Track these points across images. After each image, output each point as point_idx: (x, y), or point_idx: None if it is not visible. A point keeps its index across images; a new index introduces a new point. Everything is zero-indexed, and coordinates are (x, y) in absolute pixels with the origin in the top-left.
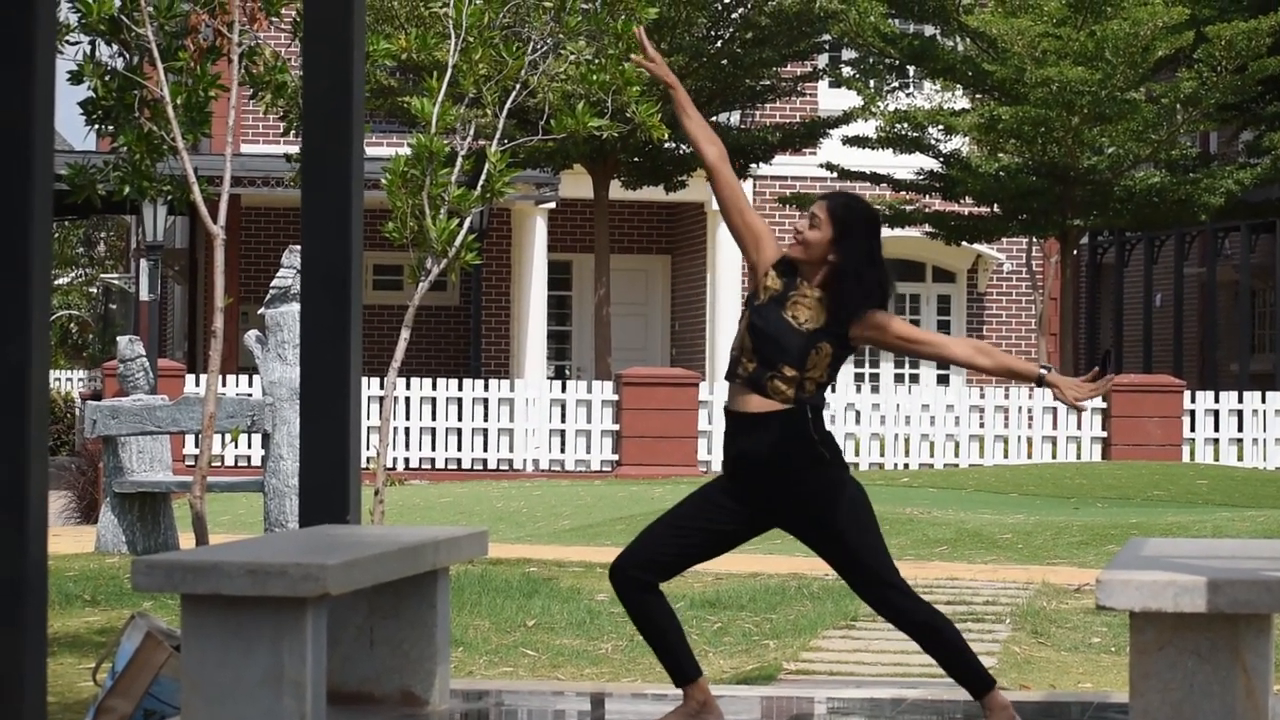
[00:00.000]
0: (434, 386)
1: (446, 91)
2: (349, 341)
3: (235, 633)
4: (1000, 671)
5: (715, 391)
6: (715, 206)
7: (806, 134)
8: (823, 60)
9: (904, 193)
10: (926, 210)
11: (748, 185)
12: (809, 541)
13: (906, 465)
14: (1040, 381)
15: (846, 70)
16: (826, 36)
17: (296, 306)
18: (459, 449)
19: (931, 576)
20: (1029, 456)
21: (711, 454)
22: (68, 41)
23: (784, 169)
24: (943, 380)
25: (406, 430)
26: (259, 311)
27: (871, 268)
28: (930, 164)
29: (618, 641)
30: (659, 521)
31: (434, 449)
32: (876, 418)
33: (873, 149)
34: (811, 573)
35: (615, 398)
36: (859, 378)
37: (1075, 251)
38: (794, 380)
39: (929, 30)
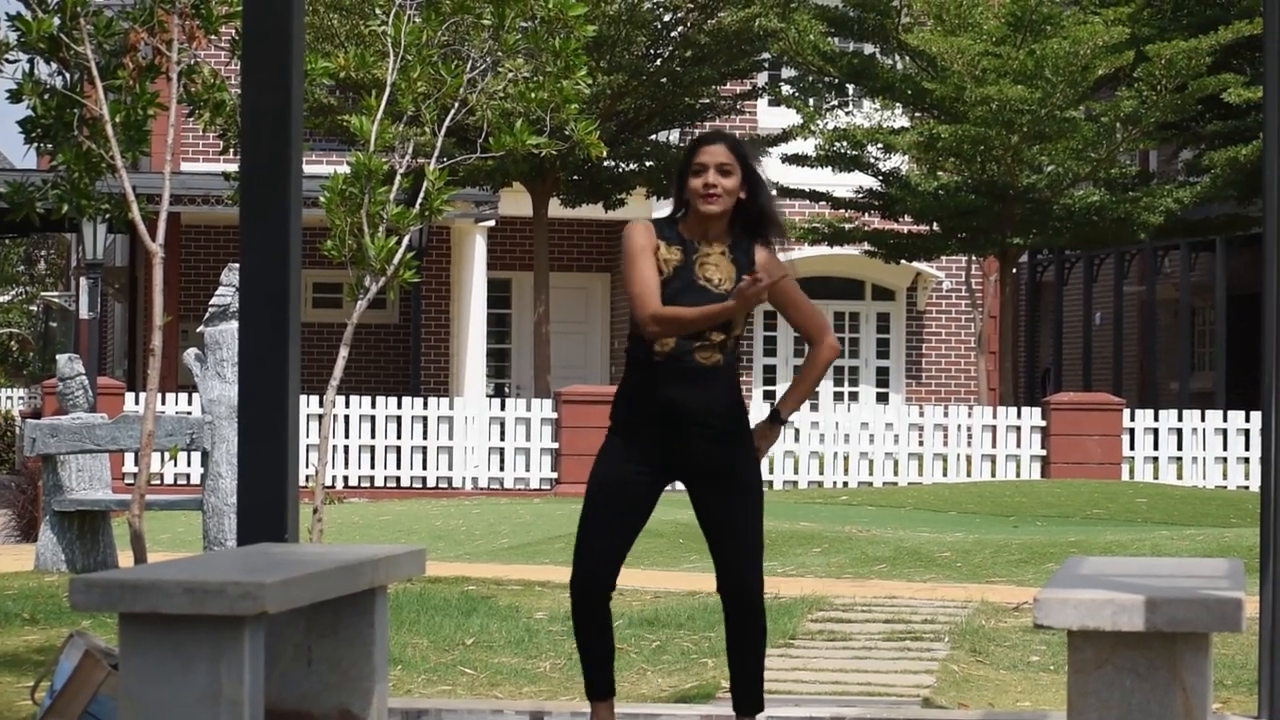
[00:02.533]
0: (373, 404)
1: (385, 110)
2: (288, 359)
3: (173, 651)
4: (939, 690)
5: None
6: None
7: None
8: (762, 78)
9: (843, 211)
10: (866, 228)
11: None
12: (712, 499)
13: (845, 483)
14: (775, 417)
15: (786, 89)
16: (766, 55)
17: (235, 324)
18: (398, 467)
19: (870, 595)
20: (968, 475)
21: None
22: (6, 60)
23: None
24: (882, 398)
25: (345, 448)
26: (198, 329)
27: (770, 196)
28: (870, 182)
29: (556, 659)
30: (593, 530)
31: (373, 467)
32: (815, 436)
33: (812, 167)
34: None
35: (554, 415)
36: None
37: (1015, 270)
38: (721, 344)
39: (868, 49)
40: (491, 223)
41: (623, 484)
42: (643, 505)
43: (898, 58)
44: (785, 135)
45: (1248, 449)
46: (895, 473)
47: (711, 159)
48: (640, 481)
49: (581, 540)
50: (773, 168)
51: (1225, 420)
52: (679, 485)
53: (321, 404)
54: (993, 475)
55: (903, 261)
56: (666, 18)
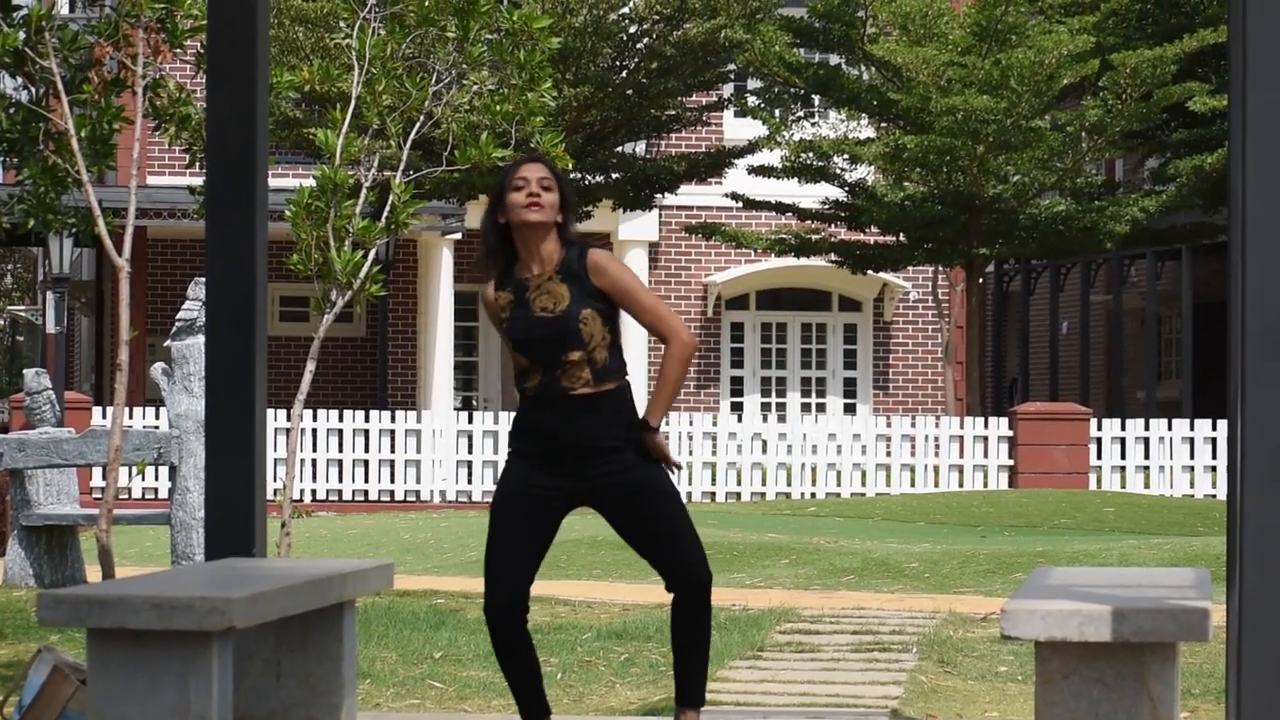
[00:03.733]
0: (340, 418)
1: (350, 123)
2: (254, 373)
3: (141, 666)
4: (907, 701)
5: None
6: (622, 237)
7: (712, 164)
8: (728, 90)
9: (810, 222)
10: (832, 239)
11: (653, 215)
12: (627, 514)
13: (813, 494)
14: (645, 426)
15: (752, 100)
16: (732, 66)
17: (202, 339)
18: (366, 480)
19: (838, 606)
20: (935, 485)
21: None
22: None
23: (690, 199)
24: (849, 409)
25: (313, 462)
26: (165, 344)
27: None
28: (836, 193)
29: None
30: (500, 552)
31: (340, 481)
32: (783, 447)
33: (778, 178)
34: (717, 604)
35: None
36: (765, 407)
37: (981, 280)
38: (583, 360)
39: (834, 59)
40: (458, 235)
41: (524, 507)
42: (546, 527)
43: (863, 68)
44: (751, 146)
45: (1214, 457)
46: (863, 484)
47: (532, 174)
48: (541, 502)
49: (489, 566)
50: (739, 179)
51: (1192, 429)
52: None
53: (289, 418)
54: (960, 485)
55: (869, 272)
56: (632, 29)
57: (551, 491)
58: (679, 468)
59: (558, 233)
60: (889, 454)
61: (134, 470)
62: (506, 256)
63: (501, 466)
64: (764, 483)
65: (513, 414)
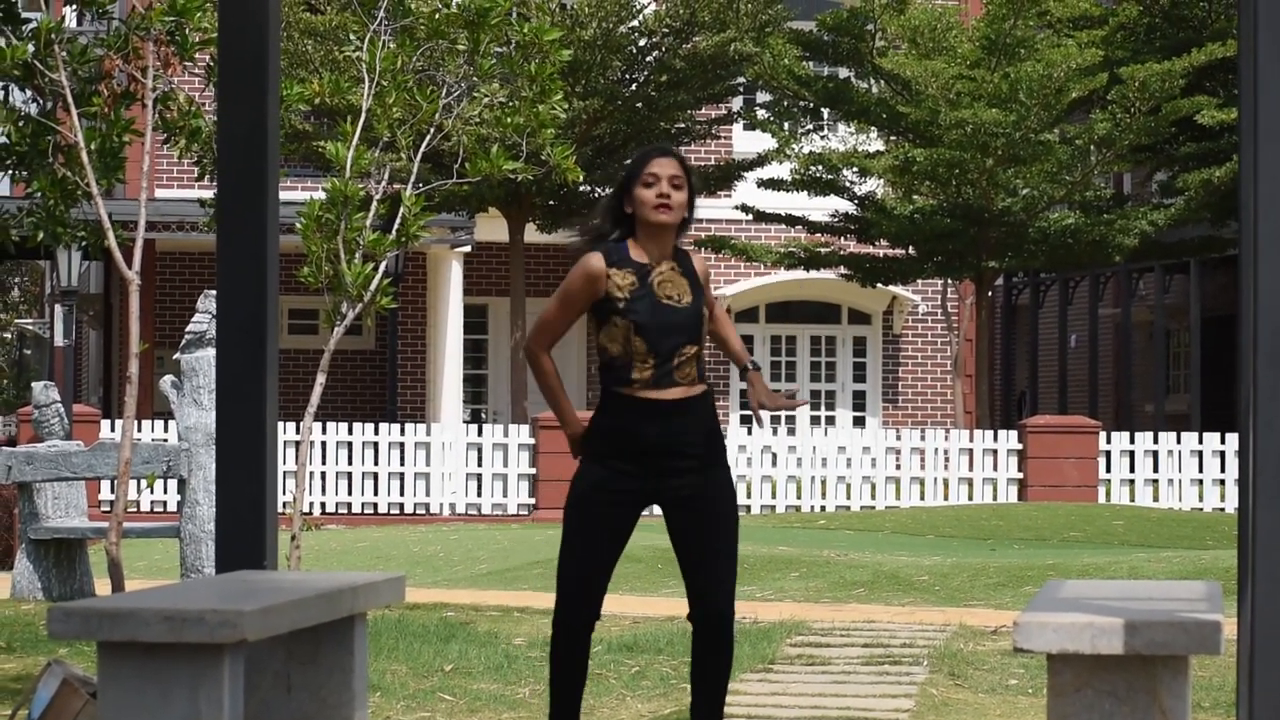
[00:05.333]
0: (350, 431)
1: (361, 135)
2: (265, 386)
3: (152, 680)
4: (918, 714)
5: None
6: None
7: (722, 177)
8: (737, 103)
9: (819, 235)
10: (842, 252)
11: None
12: (688, 524)
13: (823, 507)
14: (744, 373)
15: (761, 113)
16: (741, 79)
17: (212, 351)
18: (375, 493)
19: (848, 619)
20: (945, 498)
21: None
22: None
23: (699, 211)
24: (859, 422)
25: (323, 474)
26: (174, 356)
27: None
28: (845, 206)
29: (535, 685)
30: (580, 560)
31: (350, 493)
32: (793, 460)
33: (788, 191)
34: None
35: (532, 441)
36: (775, 419)
37: (990, 293)
38: (695, 356)
39: (843, 73)
40: (467, 248)
41: (602, 512)
42: (623, 533)
43: (872, 81)
44: (760, 159)
45: (1223, 471)
46: (872, 496)
47: (664, 171)
48: (620, 507)
49: (568, 575)
50: (748, 192)
51: (1201, 442)
52: (655, 509)
53: (298, 430)
54: (970, 498)
55: (878, 285)
56: (642, 42)
57: (628, 496)
58: (796, 393)
59: (677, 229)
60: (898, 467)
61: (143, 483)
62: (614, 235)
63: (572, 473)
64: (774, 496)
65: (524, 427)
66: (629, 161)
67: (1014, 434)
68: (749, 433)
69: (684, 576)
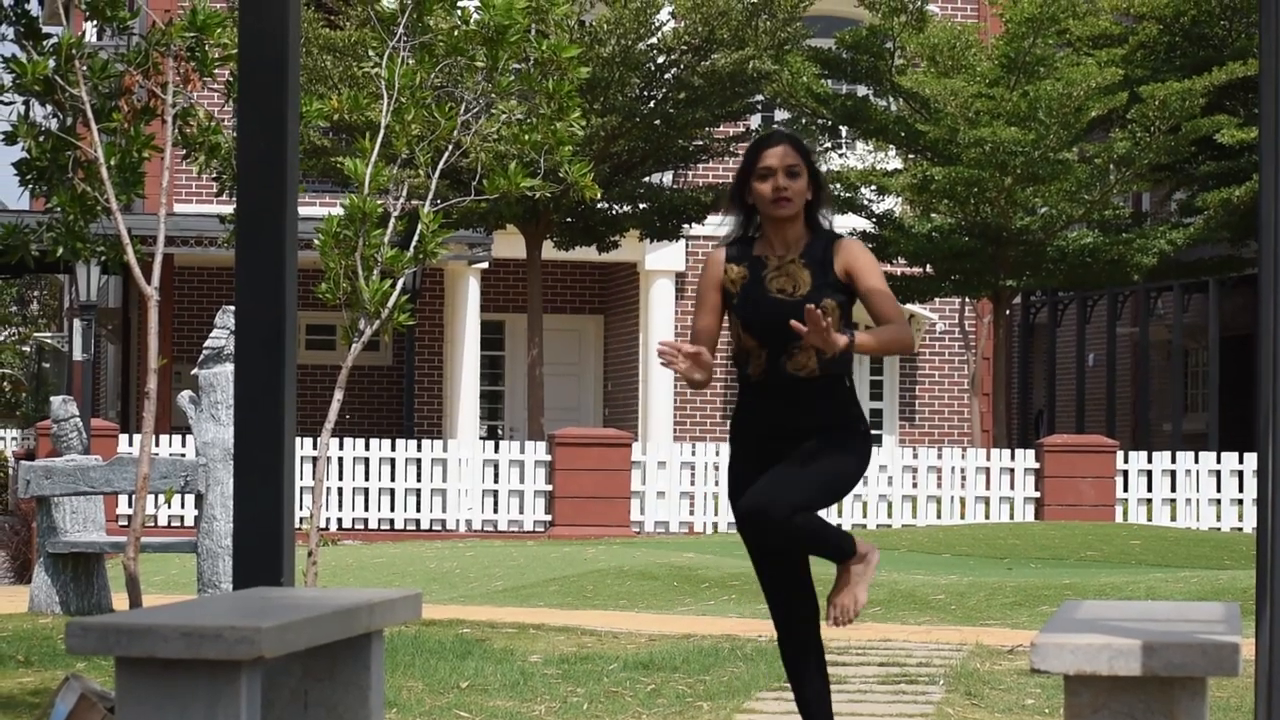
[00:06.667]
0: (367, 447)
1: (379, 152)
2: (283, 402)
3: (170, 695)
4: None
5: (647, 452)
6: (649, 267)
7: None
8: (756, 120)
9: None
10: None
11: (680, 245)
12: (796, 450)
13: (839, 525)
14: (849, 333)
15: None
16: (760, 97)
17: (230, 367)
18: (392, 509)
19: (865, 637)
20: (962, 517)
21: (644, 514)
22: (2, 101)
23: (717, 229)
24: (876, 440)
25: (340, 491)
26: (192, 372)
27: (830, 195)
28: (863, 224)
29: (550, 703)
30: (768, 579)
31: (367, 509)
32: None
33: None
34: (745, 634)
35: (548, 458)
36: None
37: (1008, 311)
38: (811, 348)
39: (862, 91)
40: (485, 265)
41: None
42: None
43: (891, 100)
44: None
45: (1241, 491)
46: (889, 515)
47: (779, 161)
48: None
49: (766, 591)
50: None
51: (1219, 462)
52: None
53: (315, 446)
54: (987, 517)
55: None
56: (660, 60)
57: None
58: (843, 336)
59: (805, 216)
60: (915, 485)
61: (161, 498)
62: (747, 227)
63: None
64: None
65: (541, 444)
66: (742, 152)
67: (1031, 453)
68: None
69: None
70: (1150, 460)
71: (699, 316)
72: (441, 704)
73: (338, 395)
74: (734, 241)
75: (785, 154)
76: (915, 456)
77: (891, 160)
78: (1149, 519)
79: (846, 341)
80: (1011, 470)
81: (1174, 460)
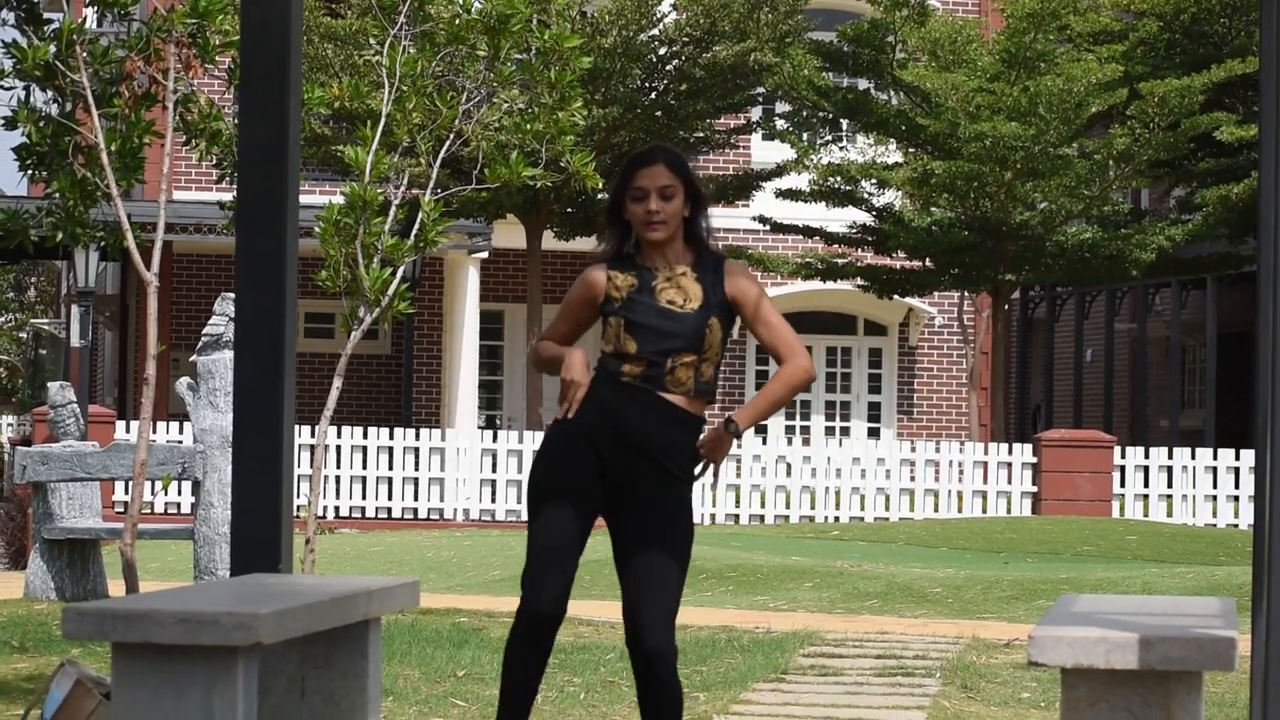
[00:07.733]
0: (365, 435)
1: (380, 140)
2: (282, 389)
3: (166, 681)
4: None
5: None
6: None
7: (740, 186)
8: (756, 113)
9: (836, 246)
10: (859, 264)
11: None
12: (631, 527)
13: (837, 518)
14: (728, 424)
15: (780, 123)
16: (761, 89)
17: (229, 354)
18: (389, 498)
19: (861, 630)
20: (959, 510)
21: None
22: (2, 87)
23: (717, 221)
24: (874, 434)
25: (337, 479)
26: (191, 359)
27: (709, 214)
28: (863, 218)
29: (547, 692)
30: (549, 545)
31: (364, 498)
32: (807, 470)
33: (805, 202)
34: (742, 625)
35: None
36: (789, 430)
37: (1007, 306)
38: (692, 365)
39: (863, 84)
40: (485, 254)
41: (577, 488)
42: (588, 515)
43: (892, 93)
44: (779, 170)
45: (1237, 487)
46: (887, 508)
47: (651, 182)
48: (584, 488)
49: (534, 555)
50: (766, 202)
51: (1215, 458)
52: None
53: (314, 434)
54: (984, 511)
55: (895, 297)
56: (662, 51)
57: (589, 481)
58: (715, 476)
59: (685, 232)
60: (913, 479)
61: (158, 485)
62: (623, 244)
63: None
64: (788, 506)
65: (538, 434)
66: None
67: (1029, 447)
68: (763, 442)
69: (621, 594)
70: (1147, 456)
71: (558, 324)
72: (438, 692)
73: (336, 383)
74: (612, 259)
75: (658, 174)
76: (913, 450)
77: (892, 154)
78: (1145, 514)
79: (734, 441)
80: (1009, 465)
81: (1171, 456)
